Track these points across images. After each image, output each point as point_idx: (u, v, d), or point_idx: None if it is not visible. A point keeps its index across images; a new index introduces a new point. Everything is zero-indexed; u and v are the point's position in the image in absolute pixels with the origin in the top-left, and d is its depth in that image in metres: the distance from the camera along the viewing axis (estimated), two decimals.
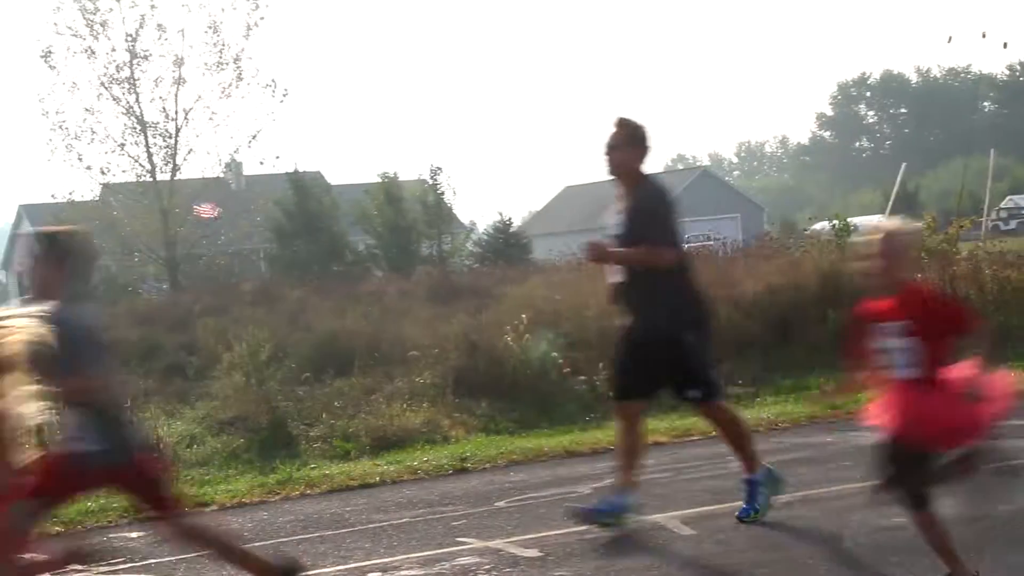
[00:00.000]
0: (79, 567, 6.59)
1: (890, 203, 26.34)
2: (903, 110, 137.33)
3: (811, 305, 16.70)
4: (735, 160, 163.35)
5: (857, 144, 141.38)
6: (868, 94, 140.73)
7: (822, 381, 13.53)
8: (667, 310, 7.75)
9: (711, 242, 35.65)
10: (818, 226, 24.71)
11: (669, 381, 7.98)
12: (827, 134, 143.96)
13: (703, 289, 8.15)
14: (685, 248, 8.27)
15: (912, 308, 5.85)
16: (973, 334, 5.86)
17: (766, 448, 11.09)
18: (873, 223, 6.40)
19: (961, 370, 5.84)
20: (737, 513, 8.02)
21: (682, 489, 9.50)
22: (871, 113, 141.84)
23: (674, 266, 7.78)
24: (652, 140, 8.04)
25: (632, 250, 7.76)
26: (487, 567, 7.36)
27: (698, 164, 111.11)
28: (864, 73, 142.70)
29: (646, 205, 7.87)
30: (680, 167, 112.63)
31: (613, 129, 8.00)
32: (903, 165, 26.96)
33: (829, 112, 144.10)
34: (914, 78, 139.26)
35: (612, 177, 8.12)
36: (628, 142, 7.97)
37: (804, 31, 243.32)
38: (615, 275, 8.00)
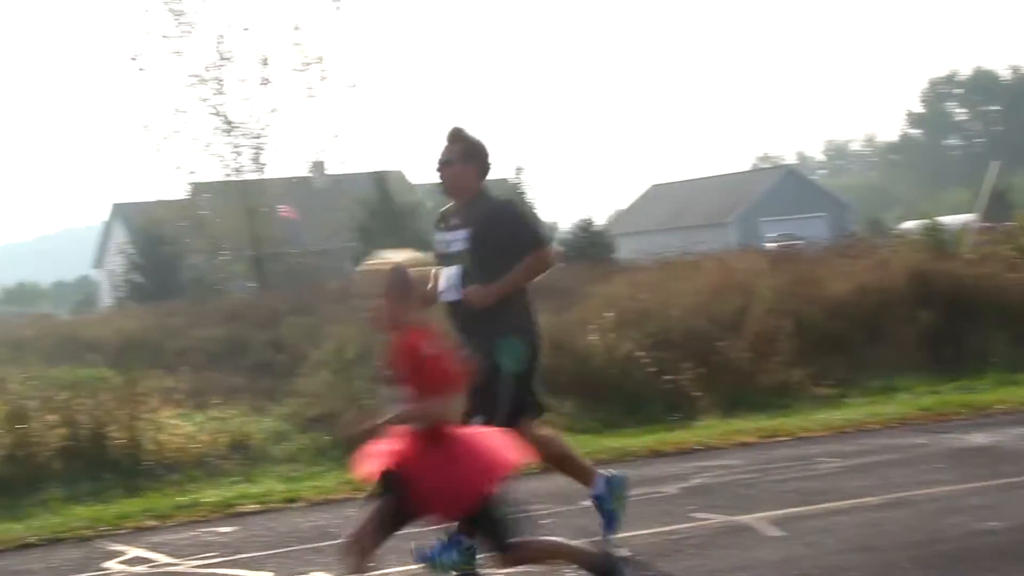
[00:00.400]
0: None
1: (981, 202, 25.96)
2: (995, 108, 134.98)
3: (900, 305, 16.49)
4: (821, 158, 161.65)
5: (947, 142, 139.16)
6: (959, 91, 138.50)
7: None
8: (504, 324, 7.32)
9: (797, 242, 35.26)
10: (907, 225, 24.40)
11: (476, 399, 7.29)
12: (917, 132, 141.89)
13: (535, 313, 7.70)
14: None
15: (405, 358, 5.33)
16: (460, 392, 5.40)
17: (854, 449, 11.01)
18: (381, 255, 5.55)
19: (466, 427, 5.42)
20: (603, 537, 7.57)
21: (770, 490, 9.41)
22: (962, 111, 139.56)
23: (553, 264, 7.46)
24: (491, 156, 7.52)
25: (513, 275, 7.27)
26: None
27: (783, 163, 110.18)
28: (954, 70, 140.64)
29: (501, 217, 7.38)
30: (765, 166, 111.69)
31: (447, 143, 7.46)
32: (995, 164, 26.54)
33: (919, 109, 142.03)
34: (1006, 75, 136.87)
35: (447, 194, 7.59)
36: (463, 157, 7.42)
37: (894, 27, 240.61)
38: (449, 293, 7.35)
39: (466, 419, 6.95)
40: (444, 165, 7.45)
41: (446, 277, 7.29)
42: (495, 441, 5.53)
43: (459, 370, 5.46)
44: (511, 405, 7.35)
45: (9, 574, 8.40)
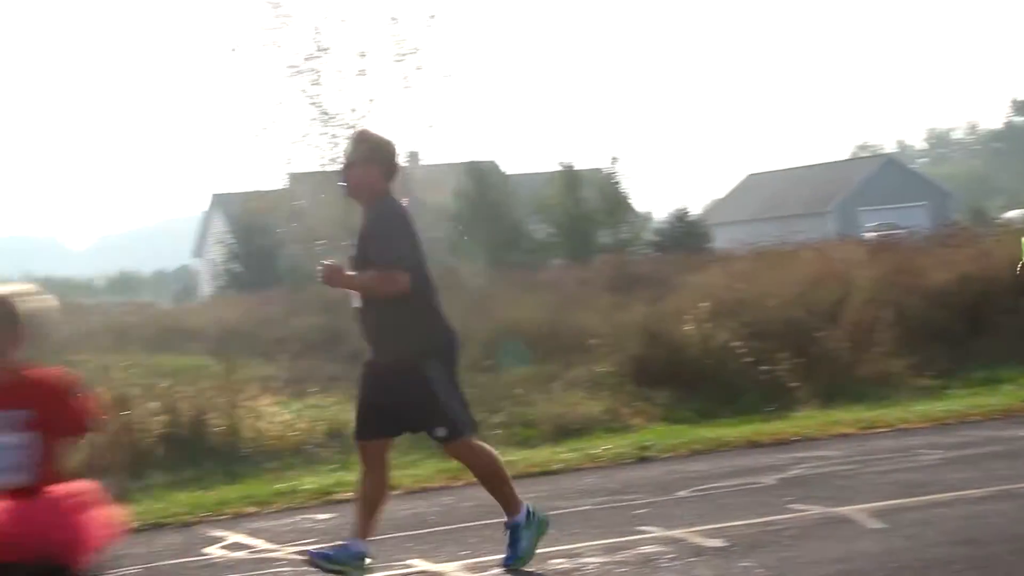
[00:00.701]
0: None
1: None
2: None
3: (1003, 295, 16.17)
4: (923, 147, 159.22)
5: None
6: None
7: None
8: (407, 339, 7.01)
9: (897, 231, 34.76)
10: (1010, 214, 23.96)
11: (412, 418, 7.18)
12: (1021, 120, 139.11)
13: (448, 316, 7.35)
14: (426, 271, 7.25)
15: (34, 396, 4.70)
16: (90, 432, 4.93)
17: (956, 441, 10.84)
18: None
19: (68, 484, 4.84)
20: (502, 561, 7.29)
21: (870, 482, 9.30)
22: None
23: (415, 291, 6.98)
24: (397, 156, 7.31)
25: (363, 276, 7.02)
26: (670, 556, 7.30)
27: (883, 151, 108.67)
28: None
29: (379, 226, 7.08)
30: (864, 155, 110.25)
31: (351, 144, 7.30)
32: None
33: None
34: None
35: (350, 197, 7.37)
36: (367, 158, 7.14)
37: (999, 13, 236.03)
38: (356, 300, 7.18)
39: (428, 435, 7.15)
40: (347, 167, 7.21)
41: None
42: (94, 513, 4.90)
43: (94, 409, 4.95)
44: (452, 413, 7.09)
45: (113, 558, 8.55)
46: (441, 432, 7.09)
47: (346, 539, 7.24)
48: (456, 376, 7.23)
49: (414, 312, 7.00)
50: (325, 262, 7.13)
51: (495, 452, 7.47)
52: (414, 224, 7.21)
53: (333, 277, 7.06)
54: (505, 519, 7.30)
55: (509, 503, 7.27)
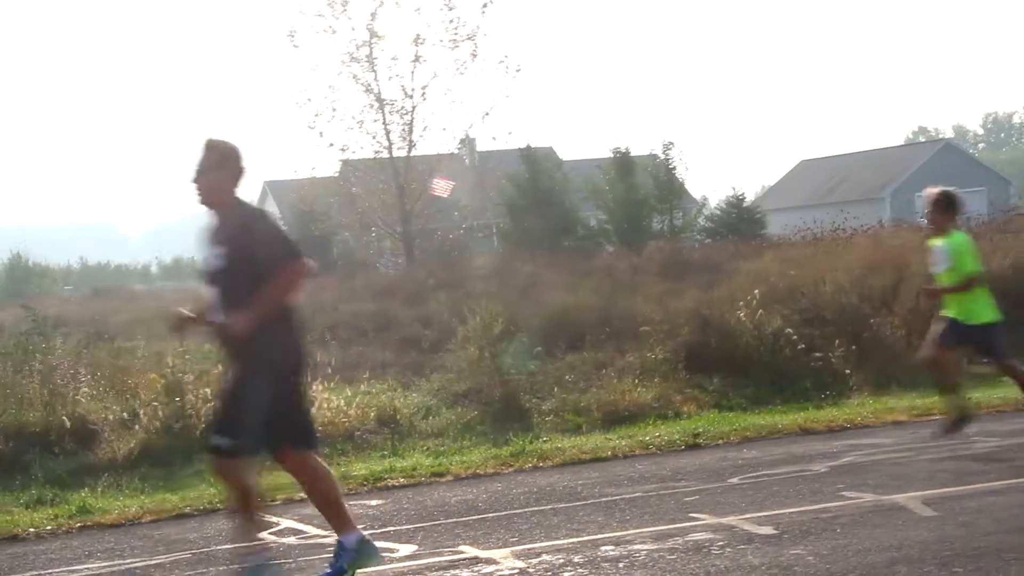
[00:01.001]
0: None
1: None
2: None
3: None
4: (980, 132, 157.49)
5: None
6: None
7: None
8: (254, 350, 6.68)
9: None
10: None
11: (227, 419, 6.82)
12: None
13: (300, 331, 7.01)
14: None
15: None
16: None
17: (1012, 428, 10.72)
18: None
19: None
20: None
21: (923, 469, 9.21)
22: None
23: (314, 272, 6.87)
24: (245, 161, 7.01)
25: (265, 294, 6.65)
26: (721, 543, 7.26)
27: (941, 136, 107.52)
28: None
29: (252, 229, 6.84)
30: (922, 139, 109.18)
31: (201, 153, 7.00)
32: None
33: None
34: None
35: (203, 206, 7.02)
36: (216, 165, 6.93)
37: None
38: (212, 314, 6.89)
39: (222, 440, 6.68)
40: (197, 175, 6.97)
41: (209, 296, 6.94)
42: None
43: None
44: (247, 430, 6.72)
45: (165, 543, 8.62)
46: (222, 441, 6.72)
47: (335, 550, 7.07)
48: (289, 395, 6.88)
49: (272, 326, 6.69)
50: (225, 323, 6.72)
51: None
52: (276, 220, 7.07)
53: (240, 327, 6.65)
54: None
55: (249, 531, 6.98)
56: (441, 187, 42.45)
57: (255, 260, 6.70)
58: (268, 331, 6.65)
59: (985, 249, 17.82)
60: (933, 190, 10.53)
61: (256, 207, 7.18)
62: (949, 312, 10.31)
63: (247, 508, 6.90)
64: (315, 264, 6.84)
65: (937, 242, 10.39)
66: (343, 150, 41.31)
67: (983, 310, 10.26)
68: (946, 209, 10.29)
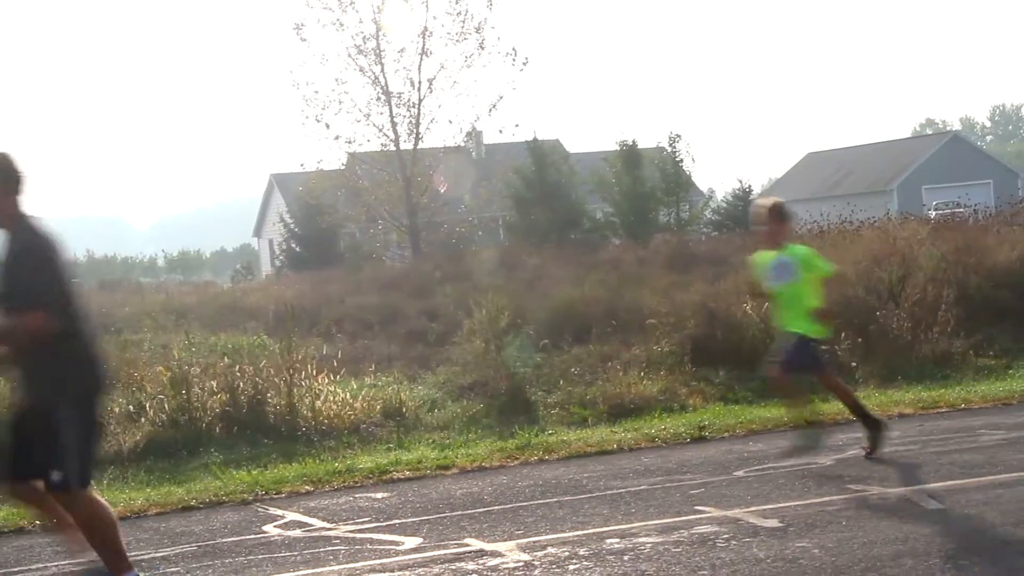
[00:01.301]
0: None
1: None
2: None
3: None
4: (988, 124, 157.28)
5: None
6: None
7: None
8: (47, 378, 6.46)
9: (961, 209, 34.30)
10: None
11: (38, 458, 6.51)
12: None
13: (99, 357, 6.74)
14: (73, 305, 6.58)
15: None
16: None
17: (1018, 421, 10.71)
18: None
19: None
20: None
21: (929, 462, 9.20)
22: None
23: (58, 331, 6.38)
24: (18, 170, 6.55)
25: (6, 326, 6.43)
26: (726, 536, 7.26)
27: (948, 129, 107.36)
28: None
29: (20, 262, 6.47)
30: (929, 132, 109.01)
31: None
32: None
33: None
34: None
35: None
36: None
37: None
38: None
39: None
40: None
41: None
42: None
43: None
44: (69, 460, 6.48)
45: (172, 535, 8.62)
46: (57, 476, 6.48)
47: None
48: (95, 420, 6.71)
49: (54, 353, 6.47)
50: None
51: (111, 512, 6.81)
52: (57, 251, 6.56)
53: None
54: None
55: (110, 563, 6.72)
56: (439, 183, 42.46)
57: (17, 290, 6.43)
58: (51, 355, 6.42)
59: (991, 242, 17.83)
60: (766, 201, 10.02)
61: (38, 235, 6.56)
62: (792, 327, 9.70)
63: (102, 534, 6.65)
64: (48, 323, 6.35)
65: (769, 256, 9.83)
66: (350, 143, 41.37)
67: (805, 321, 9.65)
68: (782, 219, 9.76)
